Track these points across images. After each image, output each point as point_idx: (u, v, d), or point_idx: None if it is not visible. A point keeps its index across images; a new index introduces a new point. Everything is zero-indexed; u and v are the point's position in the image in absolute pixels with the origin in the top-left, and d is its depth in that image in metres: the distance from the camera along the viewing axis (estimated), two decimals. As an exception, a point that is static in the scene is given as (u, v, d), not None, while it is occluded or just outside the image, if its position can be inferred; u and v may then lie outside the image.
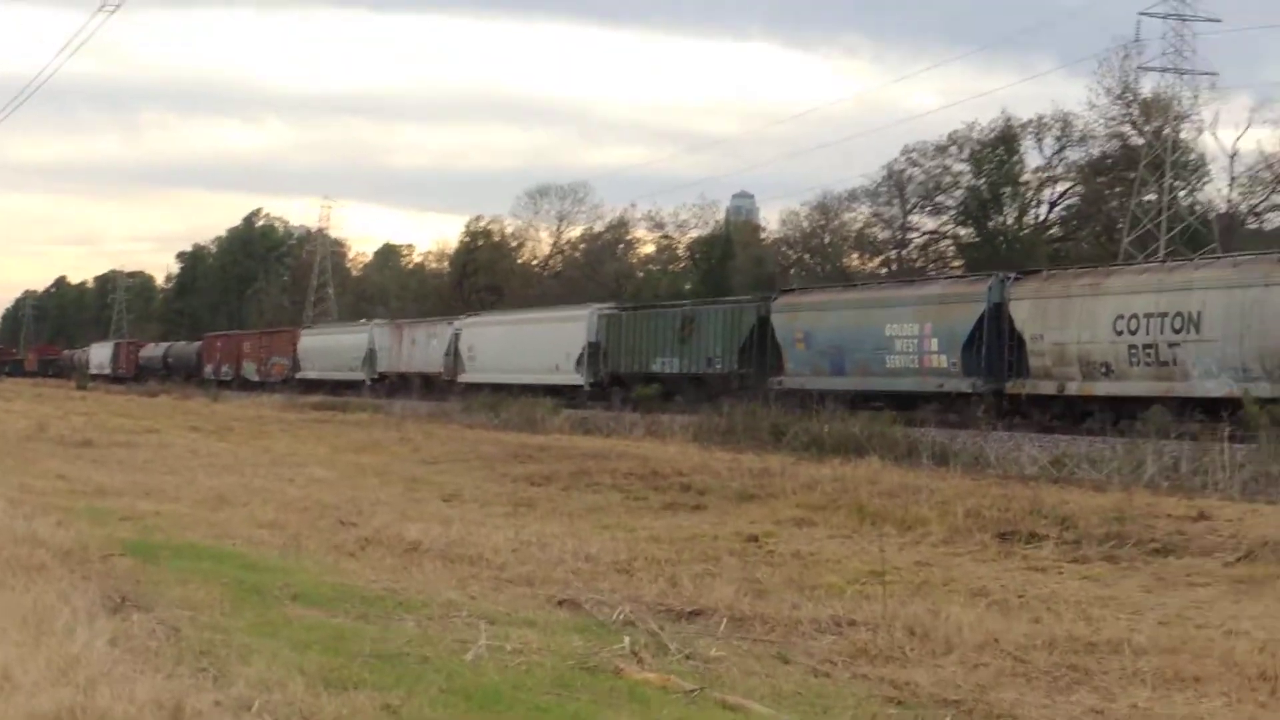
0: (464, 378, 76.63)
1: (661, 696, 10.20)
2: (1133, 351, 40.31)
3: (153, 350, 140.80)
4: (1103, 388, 41.32)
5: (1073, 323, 42.61)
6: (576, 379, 67.58)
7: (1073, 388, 42.32)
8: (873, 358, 49.78)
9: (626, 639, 11.96)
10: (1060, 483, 25.77)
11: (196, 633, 11.71)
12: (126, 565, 15.26)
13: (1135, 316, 40.44)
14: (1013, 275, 47.48)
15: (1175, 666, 11.36)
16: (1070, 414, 40.85)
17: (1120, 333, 40.80)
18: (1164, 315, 39.57)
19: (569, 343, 68.92)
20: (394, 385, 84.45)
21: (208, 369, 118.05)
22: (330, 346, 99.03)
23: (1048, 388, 43.21)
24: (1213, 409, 34.10)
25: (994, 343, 45.33)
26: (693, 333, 60.20)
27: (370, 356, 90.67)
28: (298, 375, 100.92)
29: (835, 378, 50.94)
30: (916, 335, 48.23)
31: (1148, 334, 39.95)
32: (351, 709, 9.30)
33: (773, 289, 78.23)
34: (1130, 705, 10.35)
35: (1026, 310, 44.54)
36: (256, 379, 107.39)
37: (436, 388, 77.41)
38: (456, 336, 79.95)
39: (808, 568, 17.00)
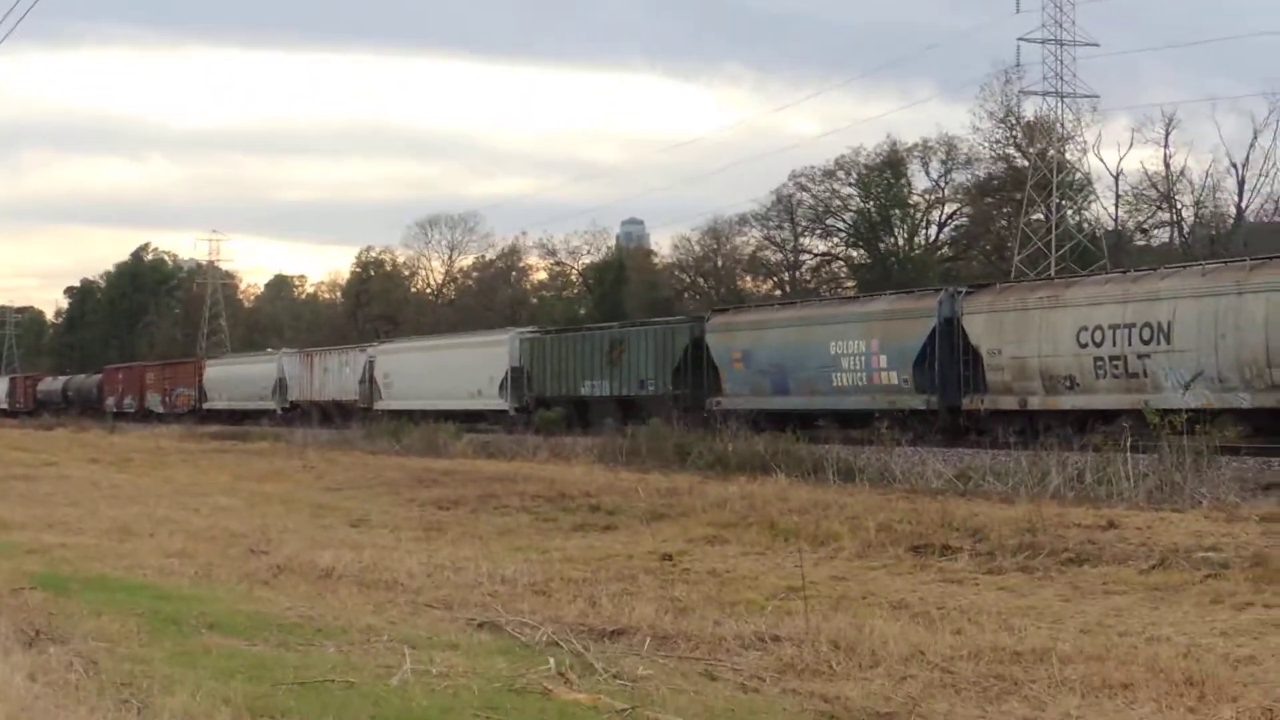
0: (381, 405, 75.29)
1: (593, 716, 10.11)
2: (1099, 364, 39.74)
3: (51, 383, 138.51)
4: (1068, 401, 40.66)
5: (1032, 336, 41.96)
6: (500, 404, 66.42)
7: (1035, 402, 41.69)
8: (818, 376, 48.84)
9: (551, 660, 11.86)
10: (967, 496, 25.88)
11: (116, 664, 11.53)
12: (37, 599, 15.01)
13: (1100, 328, 39.81)
14: (964, 289, 47.04)
15: (1102, 674, 11.35)
16: (1031, 429, 39.64)
17: (1085, 345, 40.19)
18: (1131, 326, 38.95)
19: (491, 367, 67.76)
20: (306, 414, 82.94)
21: (109, 401, 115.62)
22: (238, 376, 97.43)
23: (1008, 403, 42.52)
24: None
25: (946, 358, 44.70)
26: (622, 355, 59.12)
27: (280, 385, 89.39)
28: (204, 406, 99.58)
29: (778, 397, 50.25)
30: (864, 352, 47.30)
31: (1114, 345, 39.34)
32: (281, 737, 9.16)
33: (671, 312, 78.64)
34: (1062, 713, 10.31)
35: (981, 324, 43.81)
36: (161, 410, 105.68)
37: (352, 416, 75.89)
38: (371, 364, 78.56)
39: (725, 585, 16.95)
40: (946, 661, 11.95)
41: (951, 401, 44.36)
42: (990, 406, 42.95)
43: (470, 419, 65.59)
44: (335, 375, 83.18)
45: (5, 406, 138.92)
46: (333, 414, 79.50)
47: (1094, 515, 21.58)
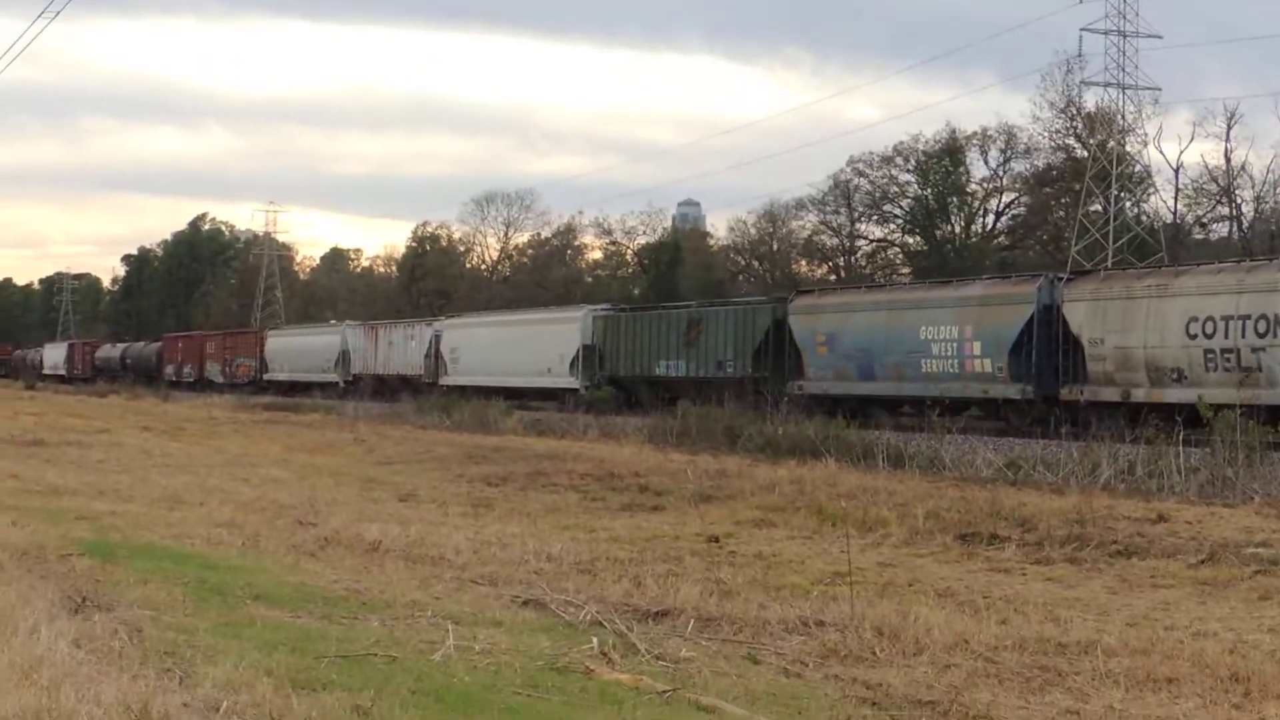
0: (446, 380, 73.69)
1: (634, 697, 10.09)
2: (1209, 357, 38.19)
3: (109, 351, 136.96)
4: (1174, 394, 38.40)
5: (1138, 326, 40.38)
6: (571, 382, 64.89)
7: (1139, 394, 39.76)
8: (906, 361, 47.24)
9: (595, 639, 11.86)
10: (1017, 485, 25.79)
11: (160, 633, 11.58)
12: (85, 565, 15.10)
13: (1211, 319, 38.24)
14: (1064, 275, 45.88)
15: (1147, 667, 11.29)
16: (1133, 422, 35.81)
17: (1194, 336, 38.63)
18: (1246, 318, 37.46)
19: (562, 345, 66.22)
20: (368, 387, 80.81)
21: (168, 370, 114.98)
22: (300, 348, 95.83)
23: (1110, 394, 40.79)
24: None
25: (1044, 347, 43.26)
26: (700, 335, 57.39)
27: (343, 358, 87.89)
28: (265, 377, 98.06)
29: (864, 382, 49.07)
30: (956, 338, 45.70)
31: (1226, 338, 37.81)
32: (321, 710, 9.17)
33: (725, 294, 78.22)
34: (1105, 706, 10.25)
35: (1083, 312, 42.22)
36: (220, 380, 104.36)
37: (416, 390, 72.76)
38: (437, 338, 77.39)
39: (771, 568, 16.91)
40: (991, 651, 11.91)
41: (1048, 391, 42.94)
42: (1090, 398, 41.44)
43: (538, 397, 65.55)
44: (400, 349, 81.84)
45: (63, 373, 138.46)
46: (396, 388, 77.40)
47: (1144, 508, 21.47)
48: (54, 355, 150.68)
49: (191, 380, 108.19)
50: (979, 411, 40.49)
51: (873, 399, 47.77)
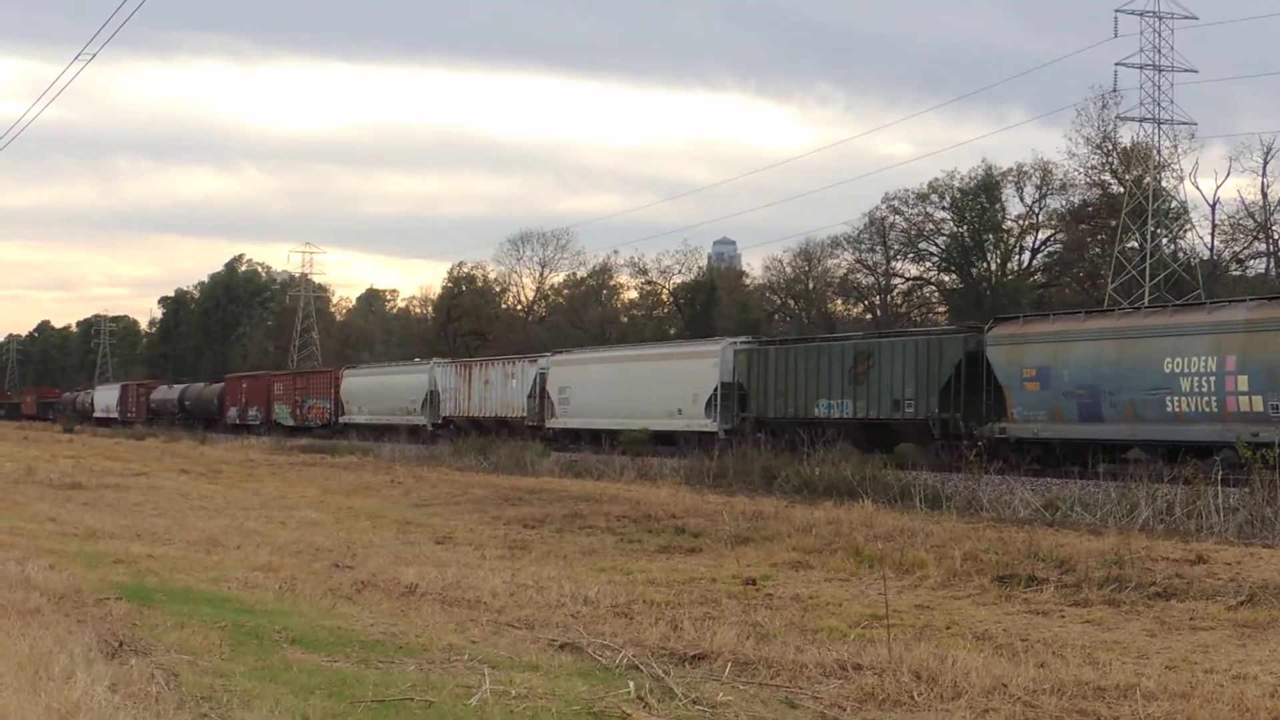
0: (555, 423, 69.11)
1: (671, 742, 10.07)
2: None
3: (166, 392, 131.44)
4: None
5: None
6: (707, 425, 58.27)
7: None
8: (1146, 400, 41.05)
9: (631, 683, 11.83)
10: (1055, 526, 25.73)
11: (196, 678, 11.58)
12: (122, 609, 15.10)
13: None
14: None
15: (1187, 712, 11.24)
16: None
17: None
18: None
19: (696, 383, 59.65)
20: (461, 431, 75.37)
21: (231, 413, 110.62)
22: (381, 387, 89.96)
23: None
24: None
25: None
26: (870, 370, 50.84)
27: (431, 399, 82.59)
28: (341, 419, 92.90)
29: (1088, 424, 42.81)
30: (1214, 371, 39.47)
31: None
32: (357, 755, 9.17)
33: (757, 333, 77.02)
34: (1145, 750, 10.22)
35: None
36: (291, 423, 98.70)
37: (518, 434, 68.23)
38: (543, 376, 71.65)
39: (808, 611, 16.87)
40: (1029, 695, 11.84)
41: None
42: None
43: (666, 441, 59.89)
44: (498, 389, 76.02)
45: (116, 416, 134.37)
46: (494, 431, 71.78)
47: (1182, 549, 21.42)
48: (106, 397, 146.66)
49: (257, 424, 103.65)
50: (1235, 456, 33.98)
51: (1100, 443, 42.07)
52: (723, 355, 58.75)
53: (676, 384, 60.75)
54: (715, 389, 58.26)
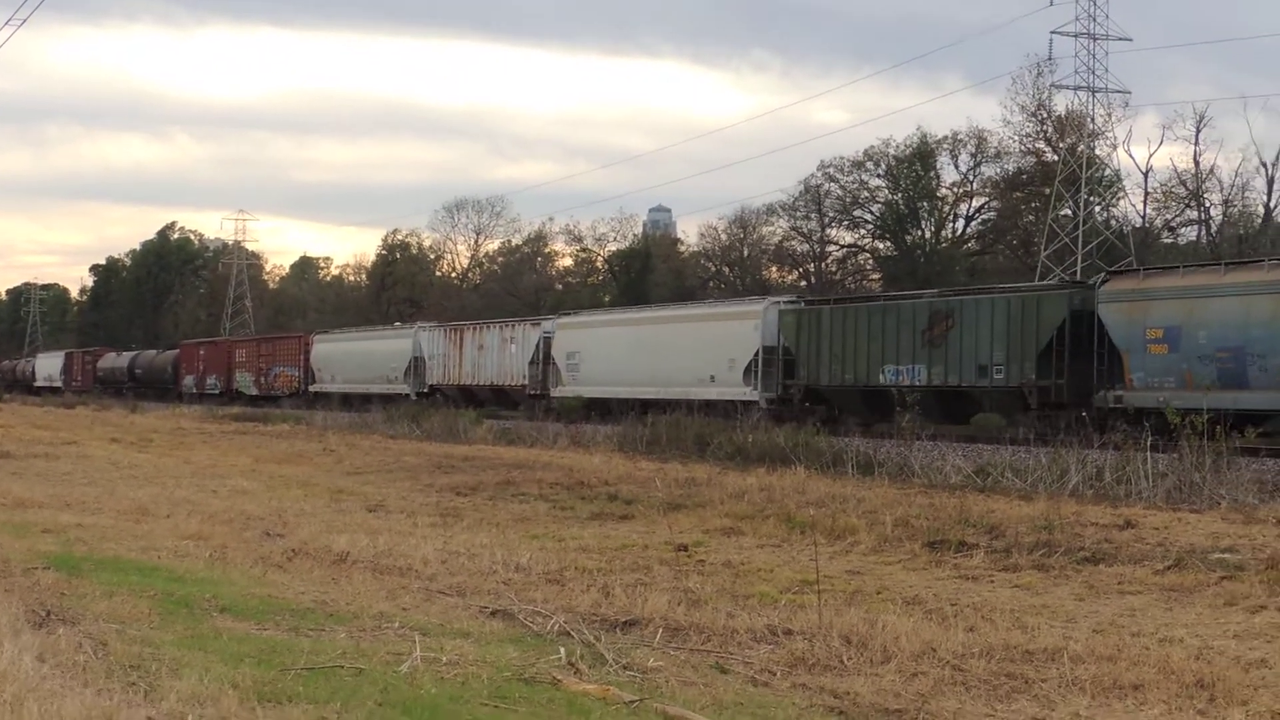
0: (563, 391, 63.68)
1: (602, 708, 10.08)
2: None
3: (115, 360, 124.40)
4: None
5: None
6: (747, 394, 52.74)
7: None
8: None
9: (562, 650, 11.84)
10: (986, 492, 25.85)
11: (125, 646, 11.52)
12: (50, 578, 15.02)
13: None
14: None
15: (1113, 674, 11.31)
16: None
17: None
18: None
19: (733, 347, 54.14)
20: (451, 400, 70.46)
21: (187, 381, 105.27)
22: (358, 354, 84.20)
23: None
24: None
25: None
26: (950, 331, 45.62)
27: (416, 366, 77.43)
28: (312, 388, 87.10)
29: (1231, 392, 36.94)
30: None
31: None
32: (286, 723, 9.15)
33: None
34: (1071, 713, 10.28)
35: None
36: (255, 393, 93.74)
37: (517, 404, 66.14)
38: (547, 341, 66.41)
39: (739, 577, 16.92)
40: (958, 659, 11.91)
41: None
42: None
43: (705, 411, 50.55)
44: (494, 354, 70.82)
45: (60, 385, 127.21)
46: (489, 401, 68.86)
47: (1112, 514, 21.57)
48: (48, 366, 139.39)
49: (217, 393, 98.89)
50: None
51: (1249, 414, 34.76)
52: (765, 316, 53.42)
53: (709, 348, 55.31)
54: (756, 354, 53.08)
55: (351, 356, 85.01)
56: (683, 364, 56.23)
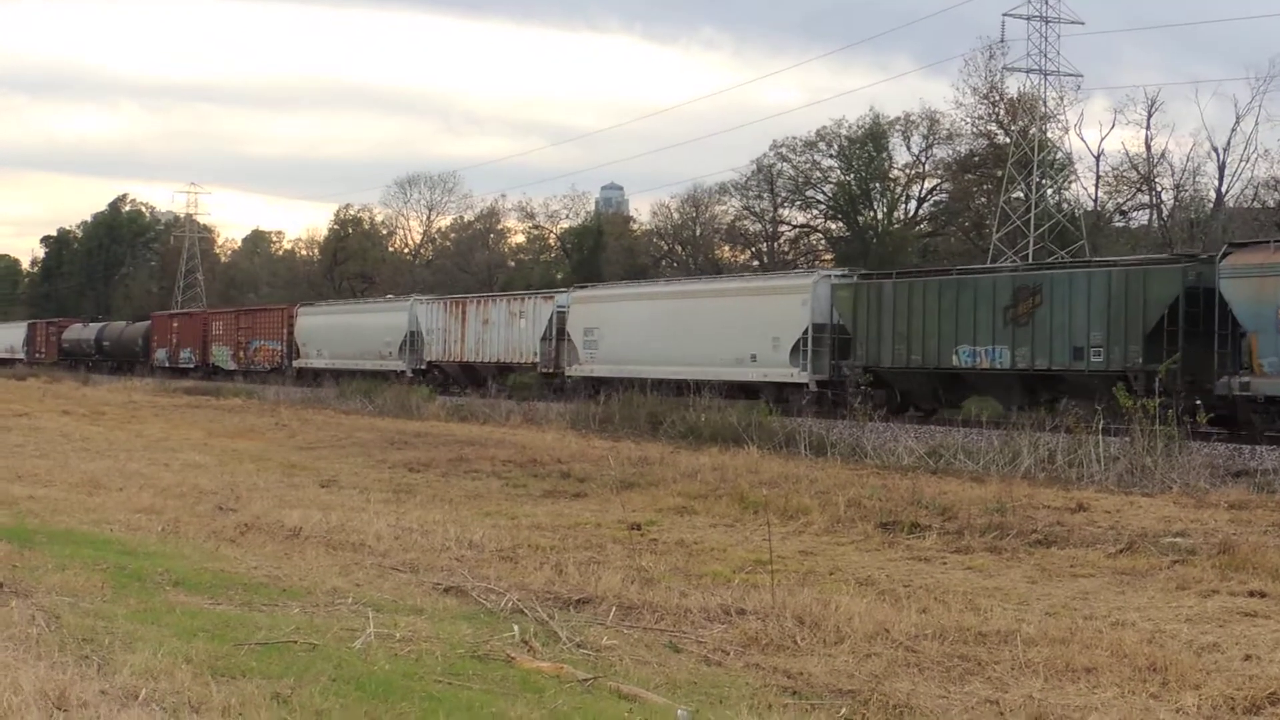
0: (580, 370, 59.04)
1: (555, 685, 10.06)
2: None
3: (81, 331, 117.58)
4: None
5: None
6: (794, 375, 48.55)
7: None
8: None
9: (516, 627, 11.85)
10: (938, 474, 25.97)
11: (78, 619, 11.48)
12: (2, 550, 14.94)
13: None
14: None
15: (1066, 657, 11.36)
16: None
17: None
18: None
19: (778, 324, 49.53)
20: (452, 378, 68.48)
21: (159, 354, 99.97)
22: (348, 328, 79.20)
23: None
24: None
25: None
26: (1037, 309, 41.08)
27: (412, 341, 72.95)
28: (295, 364, 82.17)
29: None
30: None
31: None
32: (240, 698, 9.11)
33: (644, 277, 72.94)
34: (1024, 696, 10.31)
35: None
36: (234, 368, 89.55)
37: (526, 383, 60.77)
38: (561, 315, 61.70)
39: (693, 556, 16.96)
40: (911, 640, 11.95)
41: None
42: None
43: (742, 394, 49.11)
44: (500, 329, 66.14)
45: (21, 357, 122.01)
46: (496, 379, 64.99)
47: (1064, 497, 21.72)
48: (9, 337, 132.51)
49: (192, 367, 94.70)
50: None
51: None
52: (815, 291, 48.83)
53: (750, 325, 50.76)
54: (805, 331, 48.49)
55: (340, 330, 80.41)
56: (719, 342, 51.85)
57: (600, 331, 58.62)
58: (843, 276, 49.90)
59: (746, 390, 48.54)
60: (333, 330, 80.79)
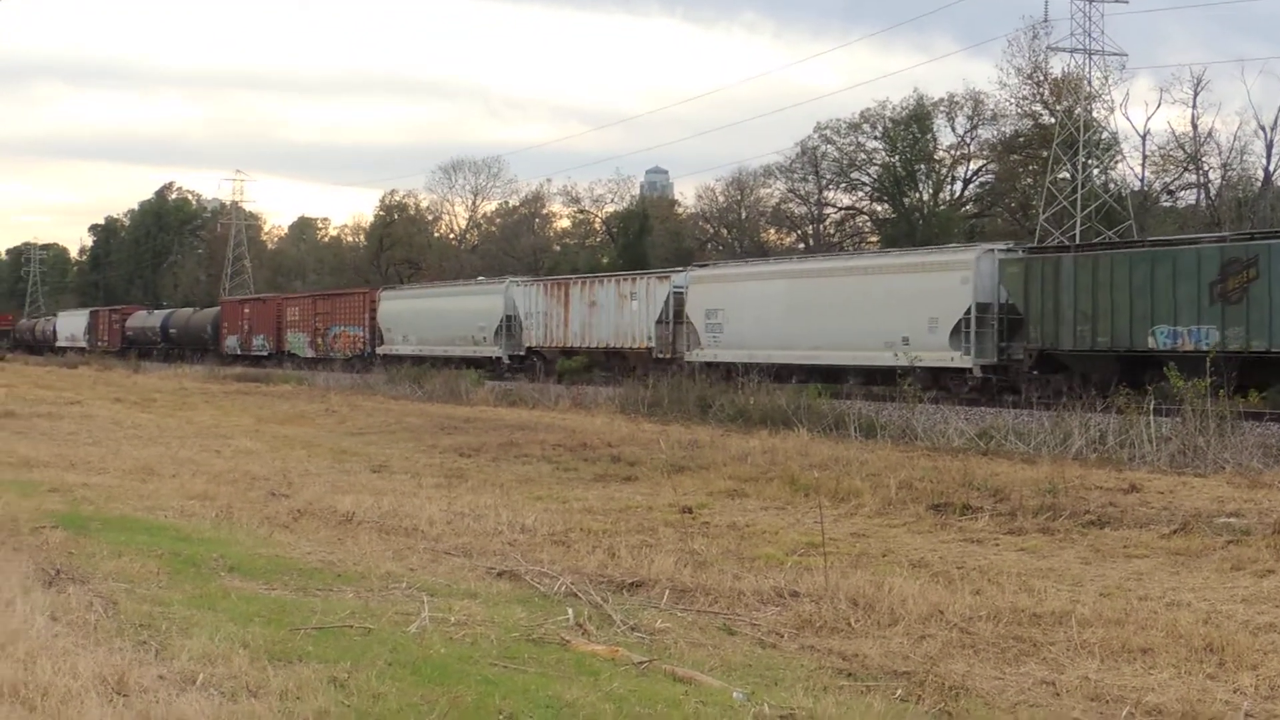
0: (699, 355, 54.43)
1: (610, 668, 10.08)
2: None
3: (146, 319, 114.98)
4: None
5: None
6: (955, 359, 44.60)
7: None
8: None
9: (570, 611, 11.88)
10: (989, 455, 25.88)
11: (135, 605, 11.56)
12: (58, 538, 15.06)
13: None
14: None
15: (1121, 638, 11.33)
16: None
17: None
18: None
19: (934, 304, 45.36)
20: (551, 364, 64.35)
21: (230, 341, 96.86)
22: (436, 312, 75.02)
23: None
24: None
25: None
26: (1252, 284, 36.70)
27: (508, 325, 69.06)
28: (379, 350, 78.47)
29: None
30: None
31: None
32: (298, 682, 9.17)
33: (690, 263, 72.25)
34: (1081, 677, 10.28)
35: None
36: (311, 355, 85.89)
37: (636, 369, 55.43)
38: (679, 297, 57.40)
39: (745, 539, 16.94)
40: (965, 622, 11.94)
41: None
42: None
43: (881, 379, 45.41)
44: (609, 313, 61.78)
45: (85, 345, 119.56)
46: (604, 366, 61.70)
47: (1116, 478, 21.60)
48: (71, 325, 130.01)
49: (265, 355, 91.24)
50: None
51: None
52: (978, 267, 44.69)
53: (901, 305, 46.50)
54: (968, 311, 44.40)
55: (427, 315, 76.00)
56: (864, 324, 47.42)
57: (725, 314, 54.46)
58: (1008, 250, 45.80)
59: (889, 375, 43.44)
60: (419, 315, 77.02)
